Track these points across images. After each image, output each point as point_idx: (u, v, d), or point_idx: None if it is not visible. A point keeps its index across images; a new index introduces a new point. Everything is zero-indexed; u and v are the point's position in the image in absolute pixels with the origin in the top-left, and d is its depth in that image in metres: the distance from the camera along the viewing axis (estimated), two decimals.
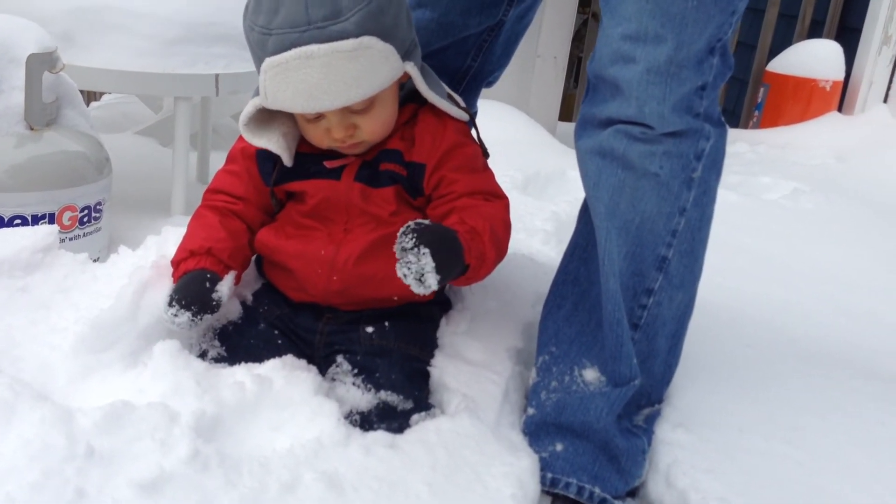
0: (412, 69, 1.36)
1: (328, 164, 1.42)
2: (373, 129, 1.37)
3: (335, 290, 1.41)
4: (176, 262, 1.42)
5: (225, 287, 1.37)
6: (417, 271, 1.18)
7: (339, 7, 1.24)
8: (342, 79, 1.26)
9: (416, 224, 1.21)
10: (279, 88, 1.29)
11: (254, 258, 1.54)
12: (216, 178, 1.52)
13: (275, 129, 1.42)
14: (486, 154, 1.48)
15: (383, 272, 1.37)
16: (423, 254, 1.17)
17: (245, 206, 1.48)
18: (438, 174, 1.40)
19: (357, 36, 1.25)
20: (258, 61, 1.31)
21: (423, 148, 1.41)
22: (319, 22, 1.24)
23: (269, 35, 1.27)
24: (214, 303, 1.35)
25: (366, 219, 1.41)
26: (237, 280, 1.45)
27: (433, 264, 1.18)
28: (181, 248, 1.43)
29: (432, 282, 1.19)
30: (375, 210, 1.41)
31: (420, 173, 1.41)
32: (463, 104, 1.46)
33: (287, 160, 1.43)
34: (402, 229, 1.20)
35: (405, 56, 1.35)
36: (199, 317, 1.34)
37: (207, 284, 1.36)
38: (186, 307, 1.33)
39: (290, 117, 1.42)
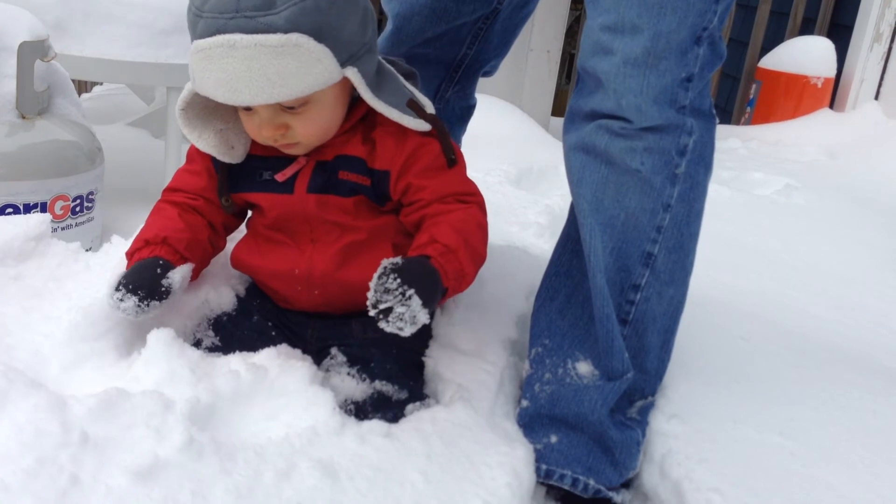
0: (354, 75, 1.25)
1: (279, 178, 1.35)
2: (306, 131, 1.29)
3: (319, 303, 1.40)
4: (130, 253, 1.37)
5: (178, 276, 1.32)
6: (410, 316, 1.15)
7: None
8: (265, 75, 1.18)
9: (392, 264, 1.17)
10: (203, 75, 1.22)
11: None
12: (175, 177, 1.46)
13: (210, 125, 1.35)
14: (451, 161, 1.35)
15: (362, 277, 1.34)
16: (410, 297, 1.14)
17: (205, 203, 1.43)
18: (404, 181, 1.33)
19: (286, 32, 1.17)
20: (190, 43, 1.25)
21: (385, 153, 1.33)
22: (248, 11, 1.16)
23: (200, 17, 1.20)
24: (164, 289, 1.29)
25: (329, 227, 1.36)
26: (195, 275, 1.39)
27: (420, 302, 1.15)
28: (136, 239, 1.38)
29: (424, 319, 1.16)
30: (335, 218, 1.35)
31: (385, 180, 1.34)
32: (430, 109, 1.35)
33: (222, 157, 1.36)
34: (378, 271, 1.17)
35: (348, 61, 1.25)
36: (145, 303, 1.27)
37: (158, 271, 1.30)
38: (133, 292, 1.27)
39: (232, 112, 1.36)
